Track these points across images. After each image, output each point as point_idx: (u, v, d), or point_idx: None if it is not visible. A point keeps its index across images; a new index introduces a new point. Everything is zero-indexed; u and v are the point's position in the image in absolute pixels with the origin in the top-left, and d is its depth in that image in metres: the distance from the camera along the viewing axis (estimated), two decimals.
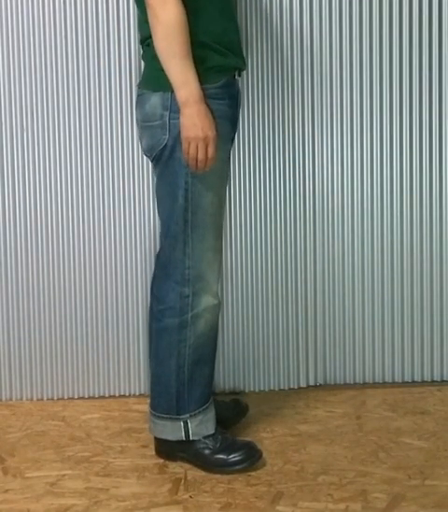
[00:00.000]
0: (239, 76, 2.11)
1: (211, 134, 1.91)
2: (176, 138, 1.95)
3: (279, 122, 2.52)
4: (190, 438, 2.06)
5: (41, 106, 2.49)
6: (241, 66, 2.09)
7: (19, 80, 2.48)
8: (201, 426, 2.07)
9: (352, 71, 2.54)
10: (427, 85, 2.55)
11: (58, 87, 2.48)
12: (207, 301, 2.04)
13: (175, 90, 1.91)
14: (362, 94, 2.55)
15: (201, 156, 1.91)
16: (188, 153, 1.91)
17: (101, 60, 2.48)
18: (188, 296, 2.02)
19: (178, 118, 1.94)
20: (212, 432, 2.07)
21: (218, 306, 2.09)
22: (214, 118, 1.93)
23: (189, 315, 2.03)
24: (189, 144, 1.91)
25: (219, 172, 2.01)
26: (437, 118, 2.57)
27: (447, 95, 2.56)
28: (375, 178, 2.58)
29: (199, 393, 2.07)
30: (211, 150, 1.92)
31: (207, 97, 1.93)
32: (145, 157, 2.48)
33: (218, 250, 2.07)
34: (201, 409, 2.06)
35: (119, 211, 2.53)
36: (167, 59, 1.92)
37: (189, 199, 1.98)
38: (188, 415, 2.06)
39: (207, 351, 2.08)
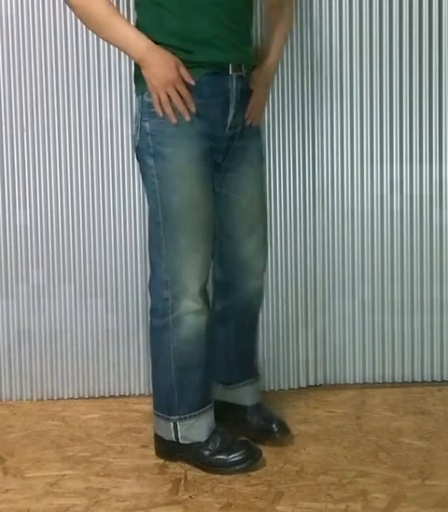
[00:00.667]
0: (234, 71, 2.00)
1: (172, 75, 1.90)
2: (143, 140, 1.98)
3: (279, 122, 2.52)
4: (180, 441, 2.05)
5: (41, 106, 2.49)
6: (222, 61, 1.97)
7: (19, 80, 2.48)
8: (191, 431, 2.04)
9: (352, 71, 2.54)
10: (426, 84, 2.55)
11: (58, 87, 2.48)
12: (187, 305, 1.99)
13: (128, 55, 1.94)
14: (362, 94, 2.55)
15: (175, 99, 1.92)
16: (159, 104, 1.92)
17: (101, 60, 2.48)
18: (167, 299, 2.00)
19: (146, 120, 1.97)
20: (203, 439, 2.04)
21: (202, 312, 2.01)
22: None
23: (170, 318, 2.00)
24: (158, 94, 1.91)
25: (184, 171, 1.96)
26: (437, 118, 2.57)
27: (447, 94, 2.56)
28: (375, 178, 2.58)
29: (189, 398, 2.04)
30: (182, 89, 1.91)
31: None
32: None
33: (196, 251, 2.00)
34: (192, 414, 2.04)
35: (119, 211, 2.53)
36: (101, 33, 1.96)
37: (158, 201, 1.98)
38: (177, 417, 2.04)
39: (195, 359, 2.03)
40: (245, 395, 2.25)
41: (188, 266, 1.99)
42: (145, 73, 1.93)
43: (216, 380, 2.28)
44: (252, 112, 2.10)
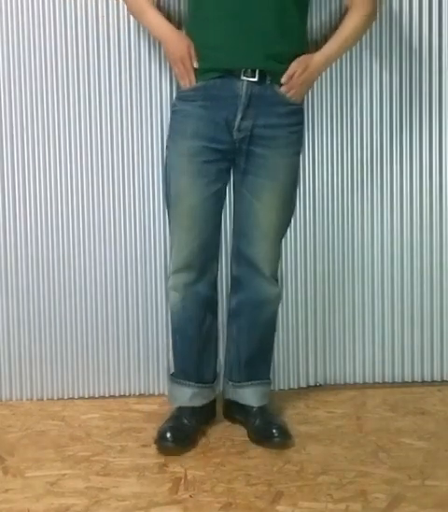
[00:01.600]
0: (246, 76, 2.08)
1: (180, 52, 2.13)
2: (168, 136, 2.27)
3: None
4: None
5: (41, 106, 2.49)
6: (230, 67, 2.09)
7: (19, 80, 2.48)
8: (171, 393, 2.30)
9: (352, 70, 2.54)
10: (427, 82, 2.55)
11: (58, 87, 2.48)
12: (170, 281, 2.26)
13: (156, 39, 2.33)
14: (362, 94, 2.55)
15: (179, 71, 2.16)
16: (176, 75, 2.21)
17: (101, 60, 2.48)
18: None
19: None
20: (174, 405, 2.26)
21: (174, 288, 2.24)
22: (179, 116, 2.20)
23: (168, 285, 2.31)
24: (173, 67, 2.20)
25: (173, 164, 2.19)
26: (437, 116, 2.57)
27: (447, 92, 2.56)
28: (375, 178, 2.58)
29: (175, 360, 2.29)
30: (186, 63, 2.13)
31: (179, 99, 2.20)
32: (144, 156, 2.50)
33: (175, 237, 2.22)
34: (174, 378, 2.28)
35: (119, 211, 2.53)
36: (137, 19, 2.33)
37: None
38: (171, 373, 2.33)
39: (175, 328, 2.27)
40: (252, 396, 2.27)
41: (172, 249, 2.25)
42: (164, 51, 2.26)
43: (227, 378, 2.34)
44: (287, 88, 2.15)
